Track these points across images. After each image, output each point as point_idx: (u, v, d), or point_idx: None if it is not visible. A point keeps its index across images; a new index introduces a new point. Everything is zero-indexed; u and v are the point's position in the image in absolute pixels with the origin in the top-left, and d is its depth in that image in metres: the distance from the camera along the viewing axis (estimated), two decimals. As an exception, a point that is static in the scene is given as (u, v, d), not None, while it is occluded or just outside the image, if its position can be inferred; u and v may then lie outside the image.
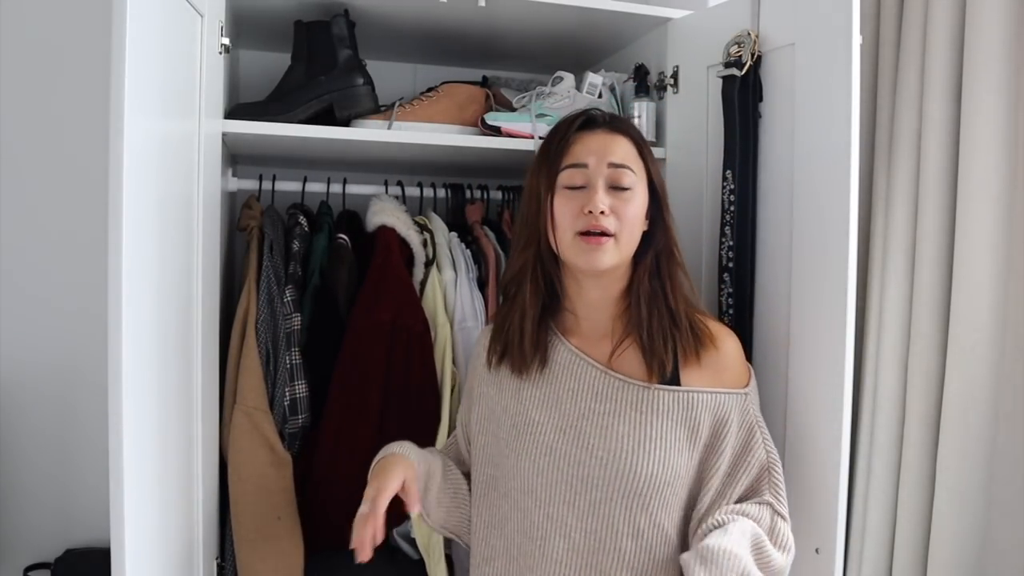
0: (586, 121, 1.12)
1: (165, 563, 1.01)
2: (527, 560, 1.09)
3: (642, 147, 1.12)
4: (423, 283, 1.50)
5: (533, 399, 1.12)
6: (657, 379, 1.08)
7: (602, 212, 1.05)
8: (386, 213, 1.49)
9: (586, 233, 1.06)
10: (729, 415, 1.09)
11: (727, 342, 1.12)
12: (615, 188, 1.08)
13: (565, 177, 1.09)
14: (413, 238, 1.49)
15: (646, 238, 1.12)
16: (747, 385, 1.13)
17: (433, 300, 1.46)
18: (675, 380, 1.09)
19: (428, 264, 1.50)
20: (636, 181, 1.09)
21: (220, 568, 1.33)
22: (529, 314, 1.12)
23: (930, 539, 1.43)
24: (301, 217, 1.49)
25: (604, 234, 1.06)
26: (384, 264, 1.44)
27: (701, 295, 1.39)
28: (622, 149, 1.09)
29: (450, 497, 1.19)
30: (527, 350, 1.12)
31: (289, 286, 1.38)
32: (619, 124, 1.13)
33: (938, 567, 1.42)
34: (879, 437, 1.54)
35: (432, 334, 1.45)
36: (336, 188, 1.58)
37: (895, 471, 1.52)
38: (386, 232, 1.47)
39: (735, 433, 1.10)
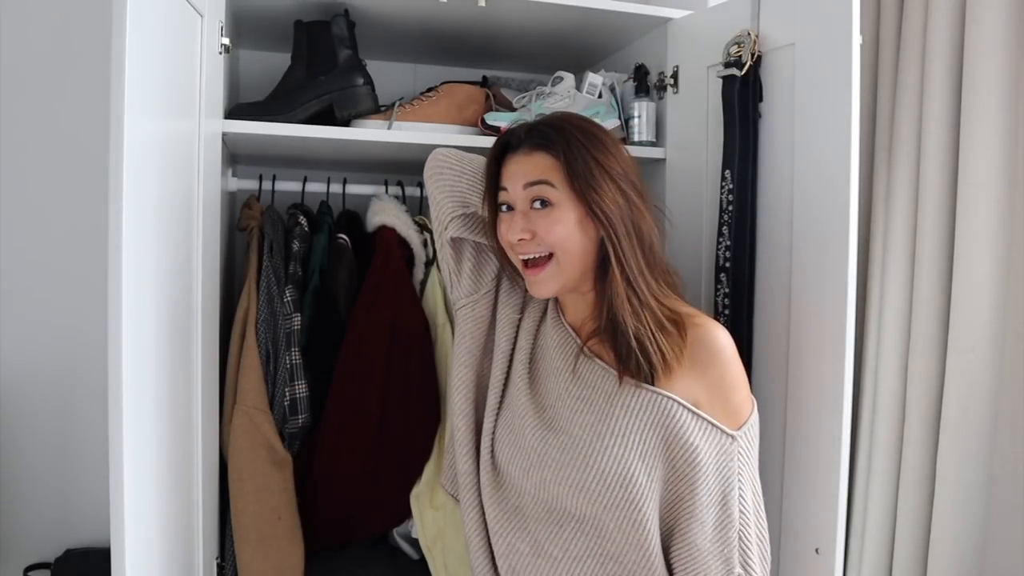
0: (506, 144, 1.08)
1: (165, 563, 1.01)
2: (488, 502, 1.12)
3: (570, 156, 1.03)
4: (423, 283, 1.50)
5: (524, 371, 1.13)
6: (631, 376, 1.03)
7: (520, 239, 1.04)
8: (386, 213, 1.49)
9: (525, 262, 1.06)
10: (707, 449, 1.00)
11: (706, 338, 1.03)
12: (535, 206, 1.04)
13: (499, 196, 1.09)
14: (413, 238, 1.49)
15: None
16: (740, 425, 1.03)
17: (433, 300, 1.47)
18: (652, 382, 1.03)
19: (428, 264, 1.50)
20: (559, 195, 1.03)
21: (220, 568, 1.33)
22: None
23: (930, 539, 1.43)
24: (301, 217, 1.49)
25: (542, 258, 1.04)
26: (384, 264, 1.44)
27: (700, 296, 1.39)
28: (538, 165, 1.04)
29: None
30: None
31: (289, 286, 1.38)
32: (540, 138, 1.05)
33: (938, 567, 1.42)
34: (879, 437, 1.54)
35: (432, 334, 1.45)
36: (336, 188, 1.58)
37: (895, 471, 1.52)
38: (386, 232, 1.47)
39: (711, 477, 1.00)
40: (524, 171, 1.05)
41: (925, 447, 1.47)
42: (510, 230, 1.05)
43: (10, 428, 1.63)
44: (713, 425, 1.01)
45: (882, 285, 1.56)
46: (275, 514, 1.33)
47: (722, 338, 1.04)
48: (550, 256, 1.04)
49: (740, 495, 1.02)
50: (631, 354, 1.01)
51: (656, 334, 1.01)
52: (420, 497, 1.43)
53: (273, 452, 1.34)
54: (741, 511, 1.02)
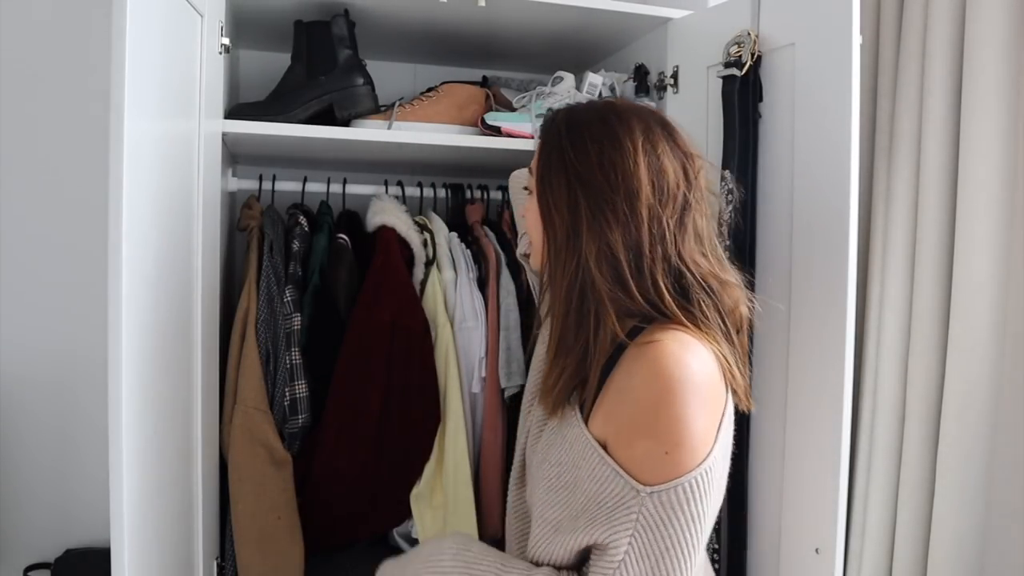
0: None
1: (165, 563, 1.01)
2: (508, 527, 1.11)
3: (542, 149, 0.96)
4: (424, 283, 1.50)
5: None
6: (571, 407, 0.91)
7: (523, 216, 1.08)
8: (386, 213, 1.49)
9: None
10: (607, 494, 0.81)
11: (627, 369, 0.83)
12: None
13: None
14: (413, 238, 1.49)
15: None
16: (652, 483, 0.79)
17: (434, 300, 1.47)
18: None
19: (428, 264, 1.50)
20: (533, 186, 0.98)
21: (220, 568, 1.33)
22: None
23: (930, 539, 1.43)
24: (301, 217, 1.49)
25: None
26: (384, 264, 1.44)
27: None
28: (537, 154, 1.00)
29: None
30: None
31: (289, 286, 1.38)
32: (543, 127, 1.00)
33: (938, 567, 1.42)
34: (879, 437, 1.54)
35: (433, 334, 1.45)
36: (336, 188, 1.58)
37: (895, 471, 1.52)
38: (386, 232, 1.47)
39: (612, 524, 0.81)
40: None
41: (925, 447, 1.47)
42: None
43: (11, 429, 1.63)
44: (616, 472, 0.81)
45: (882, 285, 1.56)
46: (275, 514, 1.33)
47: (647, 375, 0.81)
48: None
49: (623, 561, 0.80)
50: (553, 371, 0.92)
51: (553, 366, 0.89)
52: (420, 497, 1.43)
53: (273, 452, 1.34)
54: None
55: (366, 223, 1.54)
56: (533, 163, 0.98)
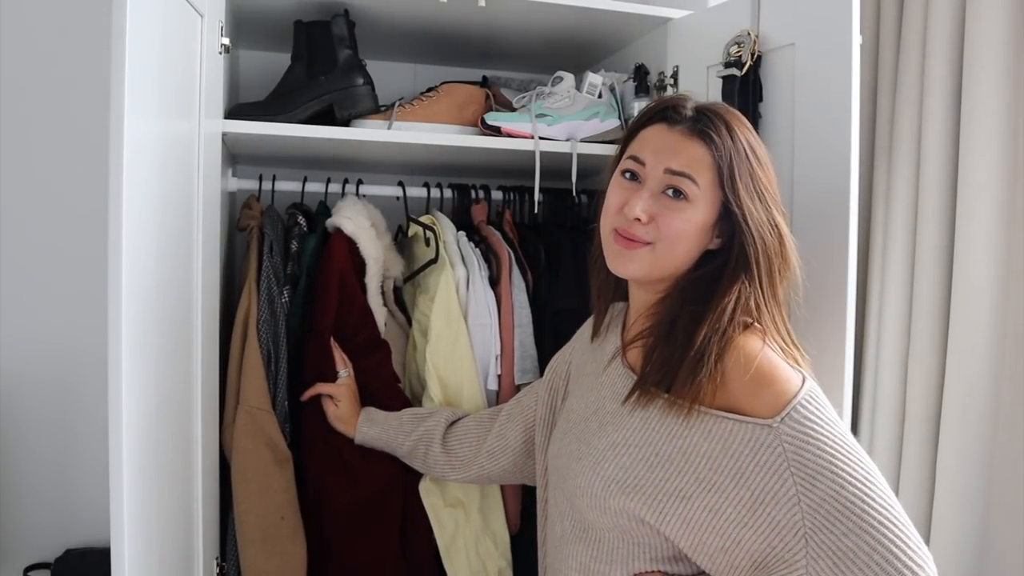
0: (666, 116, 1.00)
1: (165, 563, 1.01)
2: (545, 536, 1.13)
3: (722, 157, 0.95)
4: (424, 283, 1.49)
5: (582, 387, 1.11)
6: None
7: (637, 219, 0.96)
8: (338, 214, 1.43)
9: (620, 233, 0.99)
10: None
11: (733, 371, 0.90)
12: (668, 193, 0.96)
13: (625, 162, 1.01)
14: (361, 236, 1.42)
15: (712, 257, 0.99)
16: (772, 415, 0.87)
17: (446, 298, 1.43)
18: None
19: (431, 263, 1.49)
20: (698, 194, 0.95)
21: (221, 568, 1.33)
22: (596, 284, 1.14)
23: (930, 539, 1.43)
24: (300, 217, 1.48)
25: (640, 240, 0.97)
26: (322, 269, 1.41)
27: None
28: (690, 155, 0.96)
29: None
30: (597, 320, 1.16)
31: (287, 287, 1.38)
32: (702, 125, 0.96)
33: (938, 567, 1.42)
34: (879, 437, 1.54)
35: (449, 332, 1.42)
36: (336, 188, 1.58)
37: (895, 471, 1.52)
38: (335, 236, 1.43)
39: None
40: (673, 156, 0.97)
41: (925, 447, 1.47)
42: (632, 204, 0.97)
43: (10, 428, 1.63)
44: (741, 421, 0.95)
45: (882, 285, 1.56)
46: (278, 513, 1.33)
47: (744, 370, 0.93)
48: (647, 243, 0.97)
49: (800, 493, 0.90)
50: (664, 374, 0.97)
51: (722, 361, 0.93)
52: (430, 493, 1.41)
53: (276, 451, 1.33)
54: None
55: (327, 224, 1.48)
56: (701, 174, 0.95)
